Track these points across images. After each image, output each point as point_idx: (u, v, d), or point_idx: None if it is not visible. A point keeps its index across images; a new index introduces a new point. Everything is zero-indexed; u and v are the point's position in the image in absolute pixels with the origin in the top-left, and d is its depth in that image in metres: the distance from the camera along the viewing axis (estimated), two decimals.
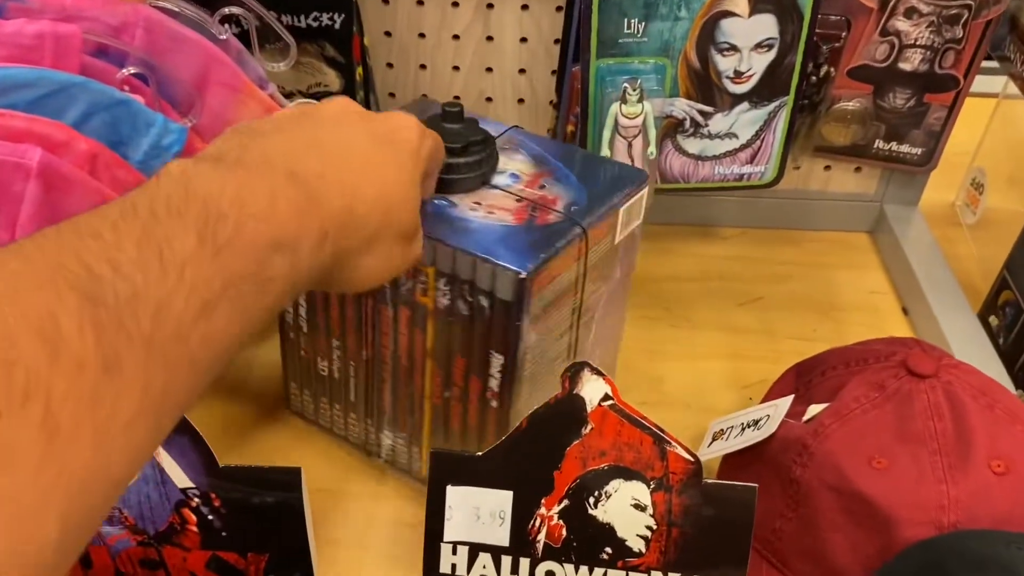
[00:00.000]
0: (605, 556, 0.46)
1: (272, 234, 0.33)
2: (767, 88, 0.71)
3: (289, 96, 0.71)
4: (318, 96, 0.72)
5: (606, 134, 0.70)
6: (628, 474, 0.44)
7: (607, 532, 0.45)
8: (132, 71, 0.53)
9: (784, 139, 0.74)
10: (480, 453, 0.45)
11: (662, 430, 0.44)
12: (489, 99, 0.80)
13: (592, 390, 0.44)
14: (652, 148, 0.70)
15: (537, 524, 0.46)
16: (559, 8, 0.74)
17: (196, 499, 0.46)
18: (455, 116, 0.52)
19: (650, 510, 0.45)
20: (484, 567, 0.47)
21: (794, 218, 0.87)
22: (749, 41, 0.68)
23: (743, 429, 0.62)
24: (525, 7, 0.75)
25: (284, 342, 0.63)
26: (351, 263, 0.39)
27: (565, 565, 0.46)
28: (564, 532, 0.46)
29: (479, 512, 0.46)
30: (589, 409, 0.44)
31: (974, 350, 0.72)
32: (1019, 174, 0.87)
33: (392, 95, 0.80)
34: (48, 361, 0.24)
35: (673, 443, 0.44)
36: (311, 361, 0.61)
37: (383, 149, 0.41)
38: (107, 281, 0.27)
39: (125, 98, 0.51)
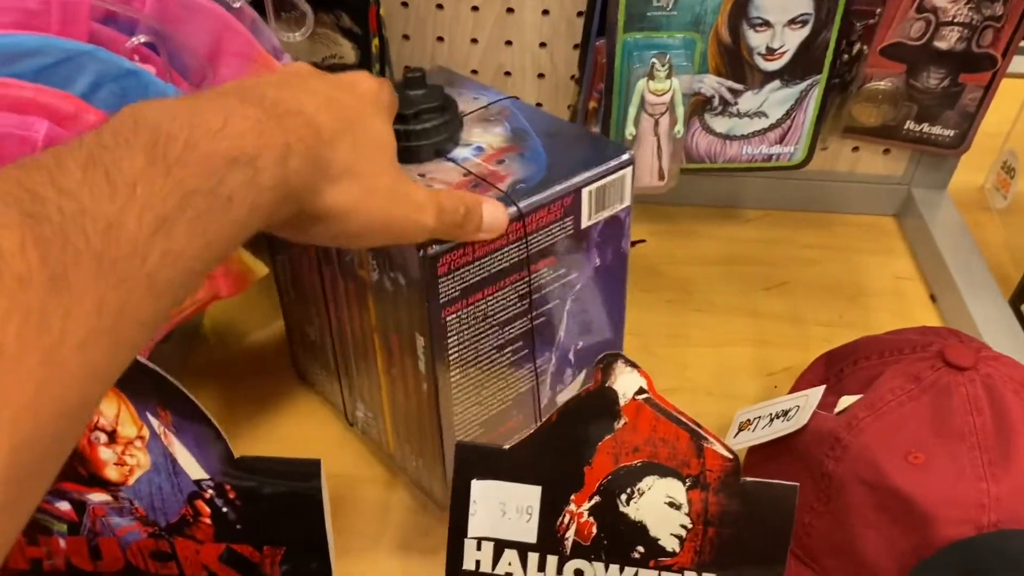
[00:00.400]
0: (637, 555, 0.44)
1: (226, 149, 0.32)
2: (799, 66, 0.68)
3: None
4: (333, 68, 0.70)
5: (632, 111, 0.67)
6: (663, 471, 0.42)
7: (639, 530, 0.43)
8: (142, 40, 0.50)
9: (815, 119, 0.71)
10: (507, 446, 0.43)
11: (699, 425, 0.42)
12: (508, 73, 0.78)
13: (626, 383, 0.42)
14: (679, 126, 0.68)
15: (566, 521, 0.44)
16: None
17: (210, 490, 0.44)
18: (416, 82, 0.50)
19: (685, 508, 0.43)
20: (510, 564, 0.45)
21: (820, 200, 0.85)
22: (783, 16, 0.66)
23: (771, 420, 0.60)
24: None
25: (283, 305, 0.63)
26: (335, 197, 0.37)
27: (595, 563, 0.44)
28: (594, 530, 0.44)
29: (505, 507, 0.44)
30: (623, 403, 0.42)
31: (1005, 338, 0.70)
32: None
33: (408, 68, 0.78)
34: None
35: (711, 439, 0.42)
36: (302, 326, 0.61)
37: (342, 89, 0.40)
38: (51, 200, 0.26)
39: (135, 68, 0.48)
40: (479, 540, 0.45)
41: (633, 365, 0.42)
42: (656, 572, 0.44)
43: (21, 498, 0.24)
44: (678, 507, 0.43)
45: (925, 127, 0.78)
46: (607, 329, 0.59)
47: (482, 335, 0.50)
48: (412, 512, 0.59)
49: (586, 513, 0.43)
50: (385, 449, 0.60)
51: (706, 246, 0.82)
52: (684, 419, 0.42)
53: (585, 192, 0.49)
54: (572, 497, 0.43)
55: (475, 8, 0.74)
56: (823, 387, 0.60)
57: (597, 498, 0.43)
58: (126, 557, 0.46)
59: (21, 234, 0.24)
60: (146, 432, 0.42)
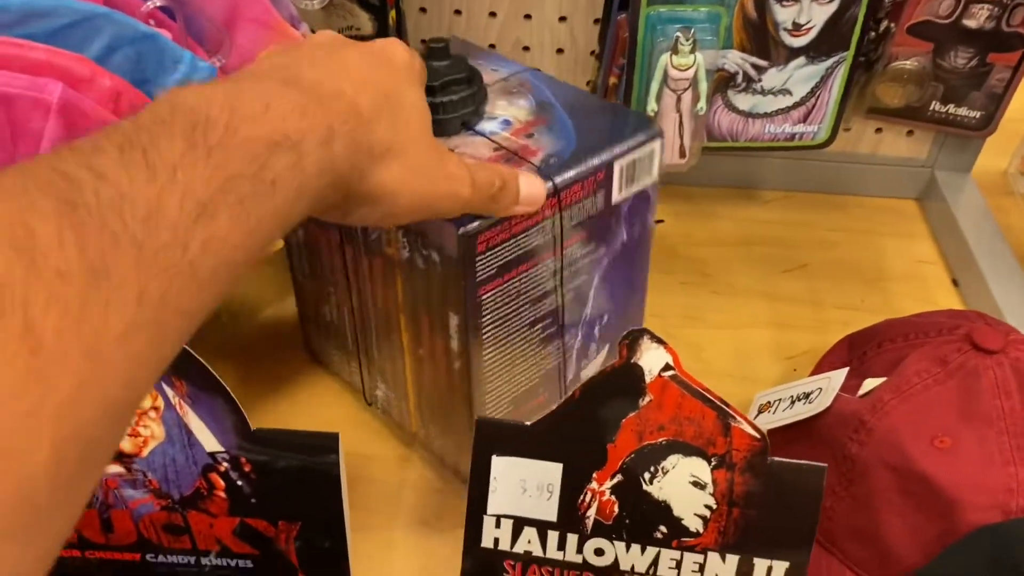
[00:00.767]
0: (659, 535, 0.43)
1: (268, 132, 0.30)
2: (826, 43, 0.67)
3: None
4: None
5: (654, 87, 0.66)
6: (688, 450, 0.41)
7: (663, 510, 0.42)
8: (158, 4, 0.49)
9: (840, 98, 0.70)
10: (529, 423, 0.42)
11: (727, 404, 0.41)
12: (526, 48, 0.76)
13: (652, 359, 0.41)
14: (702, 103, 0.66)
15: (588, 499, 0.43)
16: None
17: (225, 463, 0.43)
18: (440, 52, 0.48)
19: (710, 488, 0.42)
20: (529, 542, 0.44)
21: (841, 182, 0.84)
22: None
23: (792, 402, 0.59)
24: None
25: (295, 284, 0.62)
26: (380, 175, 0.37)
27: (616, 543, 0.43)
28: (616, 508, 0.43)
29: (525, 484, 0.43)
30: (648, 380, 0.41)
31: None
32: None
33: (424, 41, 0.76)
34: (24, 270, 0.22)
35: (738, 418, 0.41)
36: (317, 306, 0.60)
37: (377, 62, 0.39)
38: (87, 184, 0.25)
39: (152, 32, 0.47)
40: (498, 517, 0.44)
41: (660, 341, 0.41)
42: (679, 552, 0.43)
43: (70, 495, 0.23)
44: (703, 487, 0.42)
45: (951, 108, 0.77)
46: (632, 304, 0.58)
47: (515, 313, 0.49)
48: (429, 491, 0.58)
49: (608, 491, 0.43)
50: (407, 428, 0.59)
51: (725, 227, 0.81)
52: (711, 397, 0.41)
53: (617, 166, 0.48)
54: (594, 475, 0.42)
55: None
56: (846, 369, 0.59)
57: (620, 476, 0.42)
58: (138, 530, 0.46)
59: (58, 223, 0.23)
60: (160, 403, 0.41)
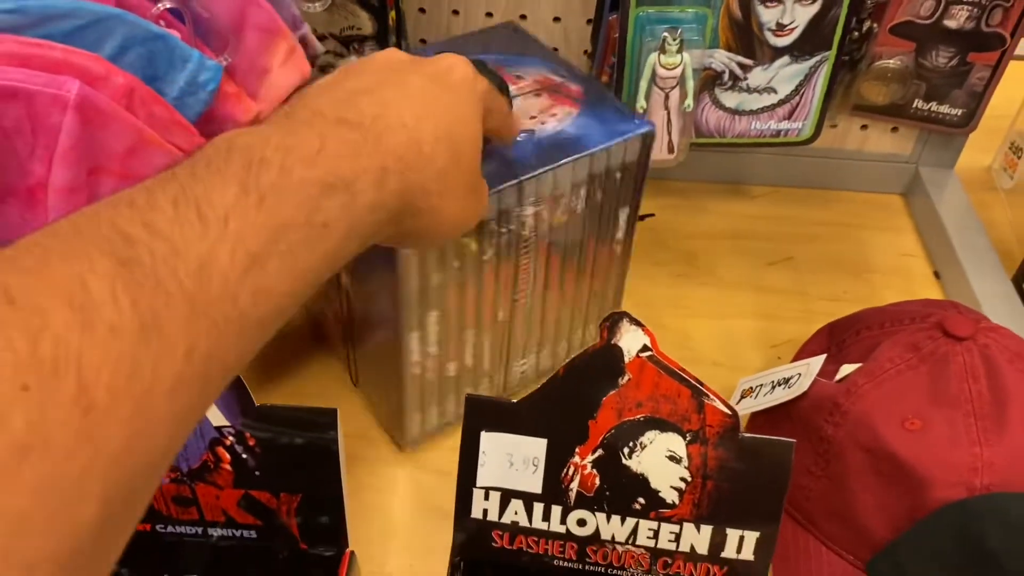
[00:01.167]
0: (638, 506, 0.46)
1: (321, 175, 0.30)
2: (809, 42, 0.69)
3: (322, 39, 0.70)
4: (350, 39, 0.71)
5: (643, 85, 0.68)
6: (664, 426, 0.44)
7: (641, 483, 0.45)
8: (168, 6, 0.52)
9: (824, 95, 0.72)
10: (515, 400, 0.45)
11: (700, 383, 0.43)
12: None
13: (631, 341, 0.43)
14: (689, 100, 0.69)
15: (570, 472, 0.46)
16: None
17: (231, 437, 0.46)
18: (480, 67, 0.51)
19: (685, 462, 0.44)
20: (516, 513, 0.47)
21: (827, 178, 0.86)
22: None
23: (773, 387, 0.62)
24: None
25: None
26: (427, 209, 0.36)
27: (597, 514, 0.46)
28: (597, 481, 0.45)
29: (512, 458, 0.46)
30: (627, 360, 0.43)
31: (1007, 315, 0.71)
32: None
33: (423, 41, 0.79)
34: (79, 329, 0.22)
35: (711, 396, 0.43)
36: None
37: (440, 87, 0.39)
38: (142, 242, 0.25)
39: (162, 32, 0.50)
40: (487, 490, 0.46)
41: (638, 323, 0.43)
42: (656, 523, 0.46)
43: (113, 540, 0.24)
44: (678, 460, 0.44)
45: (933, 106, 0.79)
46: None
47: None
48: (429, 472, 0.61)
49: (590, 465, 0.45)
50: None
51: (714, 221, 0.83)
52: (686, 376, 0.43)
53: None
54: (577, 450, 0.45)
55: None
56: (824, 356, 0.61)
57: (600, 451, 0.45)
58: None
59: (112, 281, 0.24)
60: None
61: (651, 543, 0.46)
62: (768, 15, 0.67)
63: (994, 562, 0.48)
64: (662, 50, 0.67)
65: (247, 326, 0.27)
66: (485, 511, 0.47)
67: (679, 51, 0.67)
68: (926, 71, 0.77)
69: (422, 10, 0.77)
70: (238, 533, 0.50)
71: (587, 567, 0.48)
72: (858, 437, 0.55)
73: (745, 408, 0.63)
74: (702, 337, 0.73)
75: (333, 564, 0.50)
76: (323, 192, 0.30)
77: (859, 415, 0.56)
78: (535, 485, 0.46)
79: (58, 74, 0.45)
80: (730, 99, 0.72)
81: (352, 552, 0.50)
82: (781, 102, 0.72)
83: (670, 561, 0.47)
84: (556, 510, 0.46)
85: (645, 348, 0.43)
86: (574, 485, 0.46)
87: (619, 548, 0.47)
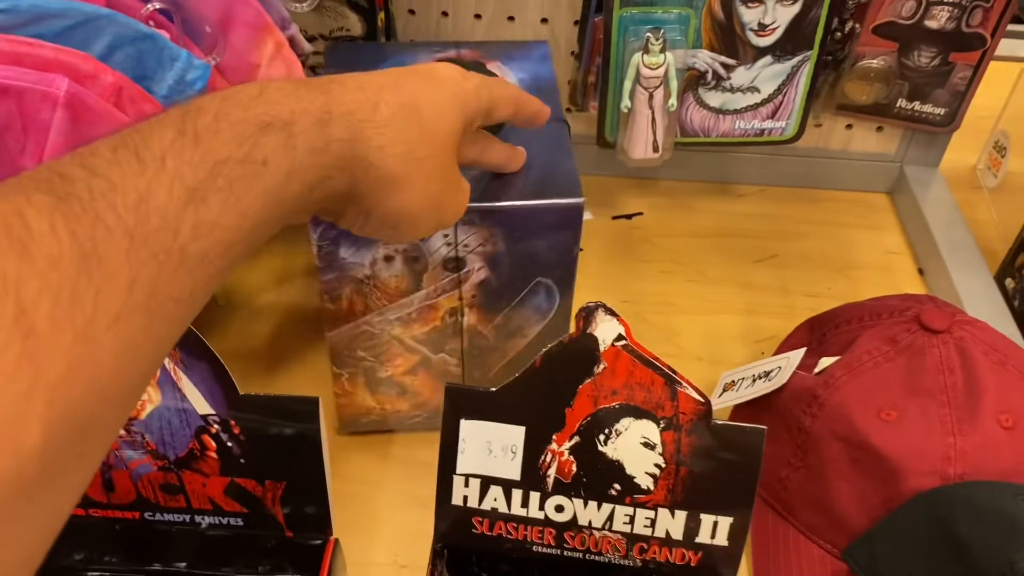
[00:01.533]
0: (614, 492, 0.47)
1: (259, 114, 0.32)
2: (790, 42, 0.70)
3: (311, 40, 0.71)
4: (339, 41, 0.72)
5: (627, 84, 0.70)
6: (638, 413, 0.45)
7: (616, 469, 0.46)
8: (157, 7, 0.53)
9: (806, 94, 0.74)
10: (494, 389, 0.46)
11: (673, 371, 0.44)
12: None
13: (606, 330, 0.44)
14: (673, 100, 0.70)
15: (548, 459, 0.47)
16: None
17: (216, 426, 0.47)
18: (477, 66, 0.53)
19: (659, 449, 0.45)
20: (495, 499, 0.48)
21: (814, 177, 0.87)
22: None
23: (754, 380, 0.63)
24: None
25: None
26: (391, 175, 0.37)
27: (574, 500, 0.47)
28: (574, 468, 0.46)
29: (491, 446, 0.47)
30: (602, 349, 0.44)
31: (988, 311, 0.72)
32: None
33: (412, 42, 0.80)
34: (17, 258, 0.23)
35: (684, 384, 0.44)
36: None
37: (419, 75, 0.40)
38: (80, 180, 0.26)
39: (151, 32, 0.51)
40: (467, 477, 0.47)
41: (612, 313, 0.44)
42: (632, 509, 0.47)
43: (63, 472, 0.24)
44: (652, 447, 0.45)
45: (916, 105, 0.80)
46: None
47: None
48: (412, 462, 0.62)
49: (567, 452, 0.46)
50: None
51: (701, 220, 0.84)
52: (659, 364, 0.44)
53: None
54: (554, 437, 0.46)
55: None
56: (803, 349, 0.62)
57: (577, 438, 0.46)
58: (137, 489, 0.49)
59: (51, 214, 0.24)
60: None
61: (627, 528, 0.47)
62: (750, 15, 0.69)
63: (964, 548, 0.49)
64: (645, 50, 0.68)
65: (190, 259, 0.28)
66: (465, 498, 0.48)
67: (662, 51, 0.68)
68: (909, 71, 0.78)
69: (411, 11, 0.79)
70: (225, 521, 0.51)
71: (565, 552, 0.49)
72: (835, 428, 0.56)
73: (727, 401, 0.64)
74: (688, 333, 0.74)
75: (318, 552, 0.51)
76: (260, 130, 0.31)
77: (836, 406, 0.57)
78: (514, 472, 0.47)
79: (48, 72, 0.47)
80: (714, 99, 0.73)
81: (336, 540, 0.51)
82: (764, 101, 0.74)
83: (646, 546, 0.48)
84: (534, 496, 0.47)
85: (620, 337, 0.44)
86: (552, 472, 0.47)
87: (596, 534, 0.48)
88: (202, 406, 0.46)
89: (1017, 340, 0.70)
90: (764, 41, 0.70)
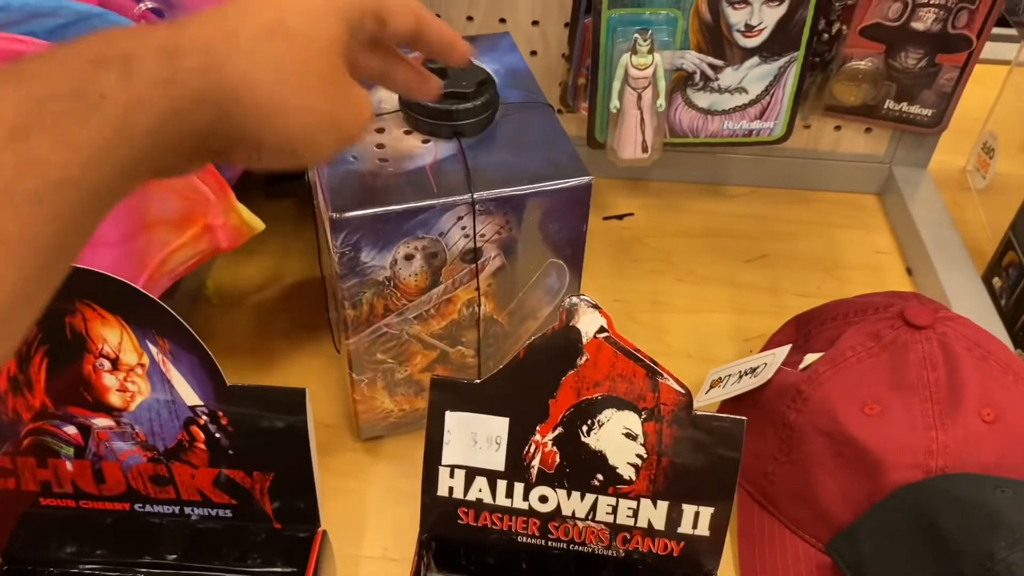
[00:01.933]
0: (596, 482, 0.47)
1: (94, 50, 0.30)
2: (777, 43, 0.71)
3: None
4: None
5: (616, 85, 0.70)
6: (621, 404, 0.46)
7: (599, 459, 0.47)
8: (149, 5, 0.54)
9: (793, 95, 0.74)
10: (479, 381, 0.47)
11: (655, 362, 0.45)
12: None
13: (588, 323, 0.45)
14: (661, 100, 0.71)
15: (532, 450, 0.47)
16: None
17: (204, 417, 0.47)
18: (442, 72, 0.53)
19: (641, 439, 0.46)
20: (480, 490, 0.48)
21: (803, 178, 0.88)
22: None
23: (740, 377, 0.63)
24: None
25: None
26: (262, 100, 0.35)
27: (558, 490, 0.48)
28: (558, 458, 0.47)
29: (476, 437, 0.47)
30: (585, 341, 0.45)
31: (975, 310, 0.72)
32: None
33: None
34: None
35: (665, 375, 0.45)
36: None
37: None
38: None
39: None
40: (452, 468, 0.48)
41: (595, 306, 0.45)
42: (615, 499, 0.47)
43: None
44: (634, 438, 0.46)
45: (904, 106, 0.81)
46: None
47: None
48: (401, 459, 0.63)
49: (550, 443, 0.47)
50: None
51: (691, 220, 0.85)
52: (641, 356, 0.45)
53: None
54: (537, 428, 0.47)
55: None
56: (789, 346, 0.63)
57: (560, 429, 0.47)
58: (127, 480, 0.50)
59: None
60: (146, 360, 0.46)
61: (610, 519, 0.48)
62: (736, 17, 0.69)
63: (945, 539, 0.49)
64: (633, 51, 0.69)
65: (18, 199, 0.27)
66: (451, 488, 0.49)
67: (650, 52, 0.69)
68: (896, 72, 0.79)
69: None
70: (215, 512, 0.51)
71: (550, 543, 0.49)
72: (819, 423, 0.57)
73: (714, 397, 0.64)
74: (677, 331, 0.74)
75: (306, 544, 0.51)
76: (97, 65, 0.30)
77: (820, 401, 0.57)
78: (498, 463, 0.48)
79: None
80: (702, 99, 0.74)
81: (324, 532, 0.51)
82: (752, 102, 0.74)
83: (629, 536, 0.48)
84: (519, 487, 0.48)
85: (602, 329, 0.45)
86: (535, 462, 0.47)
87: (580, 524, 0.48)
88: (191, 397, 0.47)
89: (1003, 338, 0.70)
90: (751, 42, 0.71)
